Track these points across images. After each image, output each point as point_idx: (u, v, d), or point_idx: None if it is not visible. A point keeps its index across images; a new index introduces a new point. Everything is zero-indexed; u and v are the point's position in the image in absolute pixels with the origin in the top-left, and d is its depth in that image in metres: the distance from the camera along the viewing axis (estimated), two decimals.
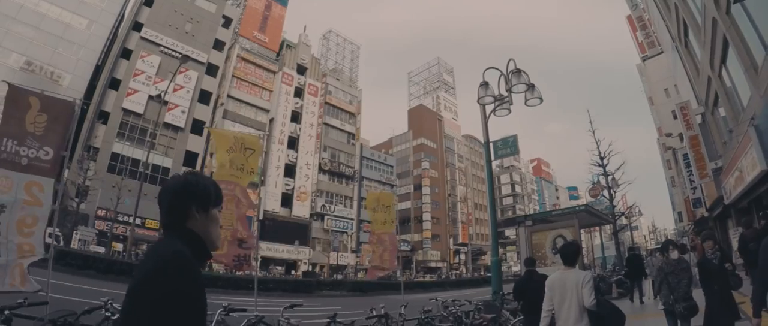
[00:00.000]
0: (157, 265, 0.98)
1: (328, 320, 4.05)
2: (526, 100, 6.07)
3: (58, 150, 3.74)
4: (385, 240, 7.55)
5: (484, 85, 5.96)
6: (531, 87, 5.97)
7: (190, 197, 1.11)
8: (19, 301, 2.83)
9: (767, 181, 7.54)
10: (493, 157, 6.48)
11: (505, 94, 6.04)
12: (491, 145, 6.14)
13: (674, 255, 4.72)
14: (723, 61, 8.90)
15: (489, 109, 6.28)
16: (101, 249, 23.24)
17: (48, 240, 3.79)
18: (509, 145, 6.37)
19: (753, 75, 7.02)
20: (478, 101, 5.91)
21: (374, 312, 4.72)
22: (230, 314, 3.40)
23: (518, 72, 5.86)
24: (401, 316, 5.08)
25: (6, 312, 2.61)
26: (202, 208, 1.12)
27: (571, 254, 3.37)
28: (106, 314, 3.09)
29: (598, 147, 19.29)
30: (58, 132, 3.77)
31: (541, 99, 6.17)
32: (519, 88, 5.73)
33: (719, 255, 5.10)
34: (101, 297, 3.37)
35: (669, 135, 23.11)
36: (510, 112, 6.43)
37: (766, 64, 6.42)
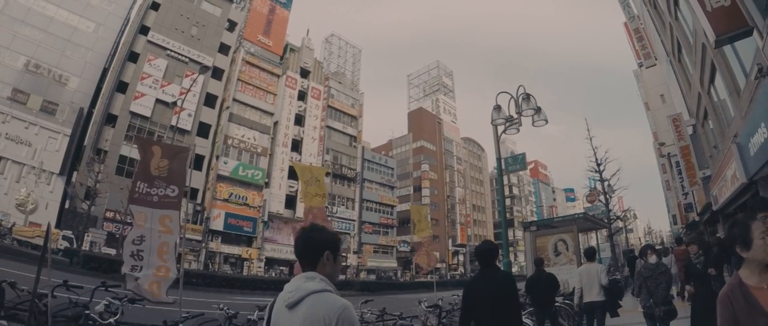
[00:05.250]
0: (511, 275, 3.20)
1: (379, 313, 4.78)
2: (533, 122, 6.83)
3: (180, 187, 4.44)
4: (427, 244, 8.73)
5: (497, 108, 6.70)
6: (538, 110, 6.72)
7: (496, 253, 2.90)
8: (183, 315, 3.53)
9: (748, 191, 8.34)
10: (503, 170, 7.21)
11: (516, 116, 6.78)
12: (498, 160, 6.92)
13: (652, 259, 4.96)
14: (711, 81, 9.69)
15: (500, 128, 7.02)
16: (112, 251, 23.79)
17: (177, 265, 4.53)
18: (518, 162, 7.12)
19: (736, 98, 7.81)
20: (491, 123, 6.65)
21: (423, 304, 5.71)
22: None
23: (528, 97, 6.62)
24: (439, 307, 6.09)
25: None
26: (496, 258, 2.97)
27: (592, 254, 5.92)
28: (249, 318, 3.74)
29: (595, 154, 20.18)
30: (178, 173, 4.47)
31: (546, 120, 6.95)
32: (528, 112, 6.48)
33: (703, 259, 5.74)
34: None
35: (662, 144, 24.00)
36: (518, 131, 7.19)
37: (747, 89, 7.20)
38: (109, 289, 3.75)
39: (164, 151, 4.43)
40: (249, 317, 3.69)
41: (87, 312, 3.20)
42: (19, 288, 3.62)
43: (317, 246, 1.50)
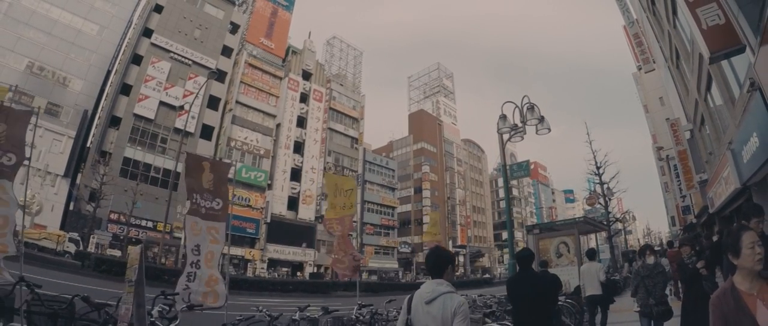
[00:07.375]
0: (554, 277, 4.04)
1: (395, 311, 5.05)
2: (537, 131, 7.14)
3: (225, 200, 4.73)
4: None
5: (503, 117, 7.01)
6: (541, 119, 7.04)
7: (533, 258, 3.72)
8: (238, 318, 3.81)
9: (742, 196, 8.67)
10: (508, 177, 7.53)
11: (520, 125, 7.09)
12: (501, 167, 7.28)
13: (650, 260, 5.13)
14: (708, 88, 10.00)
15: (505, 137, 7.33)
16: (117, 253, 24.01)
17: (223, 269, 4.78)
18: (523, 168, 7.44)
19: (731, 106, 8.12)
20: (498, 131, 6.96)
21: None
22: (362, 308, 4.42)
23: (532, 107, 6.93)
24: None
25: None
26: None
27: (592, 254, 6.82)
28: (293, 318, 4.00)
29: (594, 157, 20.51)
30: (223, 187, 4.77)
31: (548, 129, 7.26)
32: (532, 121, 6.80)
33: (695, 259, 6.01)
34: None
35: (660, 148, 24.35)
36: (523, 139, 7.50)
37: (741, 99, 7.51)
38: (167, 297, 4.05)
39: (212, 166, 4.73)
40: (293, 317, 3.94)
41: (152, 319, 3.49)
42: (94, 301, 3.89)
43: (444, 261, 2.14)
